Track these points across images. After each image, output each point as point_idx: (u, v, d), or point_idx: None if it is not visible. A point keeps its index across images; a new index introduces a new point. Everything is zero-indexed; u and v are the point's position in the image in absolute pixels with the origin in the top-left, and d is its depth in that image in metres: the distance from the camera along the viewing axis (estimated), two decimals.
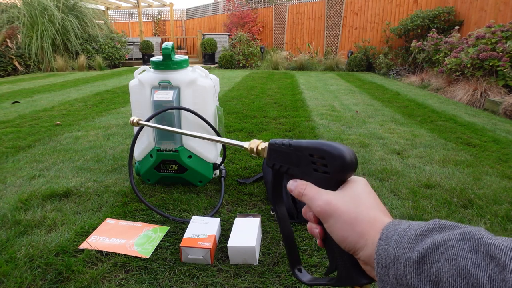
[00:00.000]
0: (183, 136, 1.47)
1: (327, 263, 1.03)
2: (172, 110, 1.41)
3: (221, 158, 1.61)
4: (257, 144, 0.42)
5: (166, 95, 1.40)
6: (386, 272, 0.27)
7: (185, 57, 1.49)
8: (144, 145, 1.52)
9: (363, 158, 1.95)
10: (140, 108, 1.49)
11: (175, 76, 1.42)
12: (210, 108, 1.51)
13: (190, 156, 1.49)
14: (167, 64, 1.42)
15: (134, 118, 0.86)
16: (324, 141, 0.35)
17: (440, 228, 0.26)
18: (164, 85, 1.42)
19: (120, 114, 3.14)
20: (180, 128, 1.46)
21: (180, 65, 1.45)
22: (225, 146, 1.55)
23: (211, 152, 1.55)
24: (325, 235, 0.35)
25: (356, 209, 0.31)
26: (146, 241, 1.15)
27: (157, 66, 1.44)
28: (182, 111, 1.44)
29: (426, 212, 1.34)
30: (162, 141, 1.47)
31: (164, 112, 1.40)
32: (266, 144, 0.41)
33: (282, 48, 9.91)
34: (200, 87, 1.45)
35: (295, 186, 0.36)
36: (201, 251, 1.03)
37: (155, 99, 1.40)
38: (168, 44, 1.40)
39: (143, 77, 1.46)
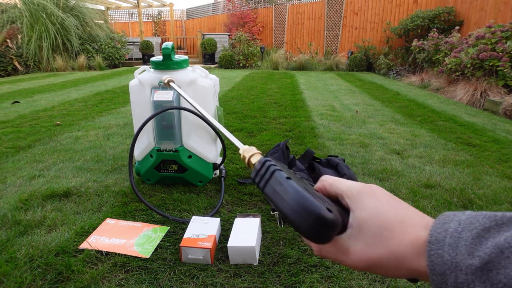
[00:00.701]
0: (183, 136, 1.47)
1: (327, 263, 1.04)
2: (172, 110, 1.41)
3: (221, 158, 1.62)
4: (251, 154, 0.38)
5: (166, 95, 1.40)
6: (443, 280, 0.24)
7: (185, 57, 1.49)
8: (144, 145, 1.52)
9: (363, 158, 1.96)
10: (140, 108, 1.49)
11: (175, 76, 1.42)
12: (210, 108, 1.51)
13: (190, 156, 1.49)
14: (167, 64, 1.42)
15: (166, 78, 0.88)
16: (290, 200, 0.28)
17: (497, 226, 0.23)
18: (163, 85, 1.42)
19: (120, 114, 3.14)
20: (180, 127, 1.46)
21: (180, 65, 1.44)
22: (225, 147, 1.55)
23: (211, 152, 1.55)
24: None
25: (395, 247, 0.27)
26: (146, 241, 1.15)
27: (157, 66, 1.44)
28: (182, 111, 1.44)
29: (426, 212, 1.34)
30: (162, 141, 1.47)
31: (164, 112, 1.40)
32: (258, 158, 0.35)
33: (282, 48, 9.91)
34: (200, 87, 1.45)
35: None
36: (201, 251, 1.03)
37: (155, 99, 1.40)
38: (168, 44, 1.40)
39: (143, 77, 1.46)
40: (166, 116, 1.43)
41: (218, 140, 1.58)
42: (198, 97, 1.45)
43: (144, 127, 1.43)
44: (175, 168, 1.49)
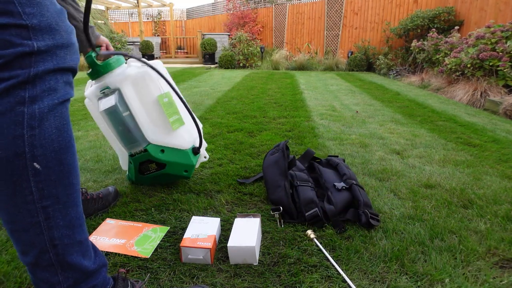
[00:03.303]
0: (145, 133, 1.39)
1: (327, 263, 1.04)
2: (121, 114, 1.33)
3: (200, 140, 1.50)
4: None
5: (109, 101, 1.31)
6: None
7: (116, 57, 1.38)
8: (123, 154, 1.50)
9: (363, 158, 1.96)
10: (102, 122, 1.44)
11: (110, 79, 1.33)
12: (154, 96, 1.39)
13: (162, 150, 1.42)
14: (96, 71, 1.32)
15: None
16: None
17: None
18: (105, 91, 1.34)
19: None
20: (137, 126, 1.38)
21: (109, 66, 1.33)
22: (197, 125, 1.45)
23: (180, 138, 1.45)
24: None
25: None
26: (146, 241, 1.15)
27: (92, 76, 1.35)
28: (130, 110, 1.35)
29: (426, 212, 1.34)
30: (129, 146, 1.41)
31: (114, 118, 1.32)
32: None
33: (282, 48, 9.91)
34: (139, 79, 1.34)
35: None
36: (201, 251, 1.03)
37: (101, 109, 1.31)
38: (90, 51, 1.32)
39: (89, 92, 1.39)
40: (117, 121, 1.34)
41: (188, 122, 1.47)
42: (141, 91, 1.35)
43: (110, 136, 1.44)
44: (154, 167, 1.45)
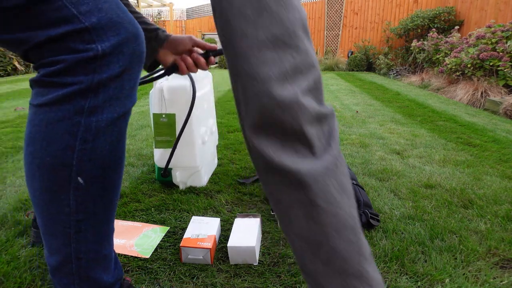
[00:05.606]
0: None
1: None
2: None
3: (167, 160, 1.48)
4: None
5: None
6: None
7: None
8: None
9: (363, 158, 1.95)
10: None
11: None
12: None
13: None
14: None
15: None
16: None
17: None
18: None
19: None
20: None
21: None
22: (173, 150, 1.46)
23: (156, 152, 1.52)
24: None
25: None
26: (146, 241, 1.15)
27: None
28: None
29: (426, 212, 1.34)
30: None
31: None
32: None
33: None
34: (156, 91, 1.43)
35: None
36: (201, 251, 1.03)
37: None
38: None
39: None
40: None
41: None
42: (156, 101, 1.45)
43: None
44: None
